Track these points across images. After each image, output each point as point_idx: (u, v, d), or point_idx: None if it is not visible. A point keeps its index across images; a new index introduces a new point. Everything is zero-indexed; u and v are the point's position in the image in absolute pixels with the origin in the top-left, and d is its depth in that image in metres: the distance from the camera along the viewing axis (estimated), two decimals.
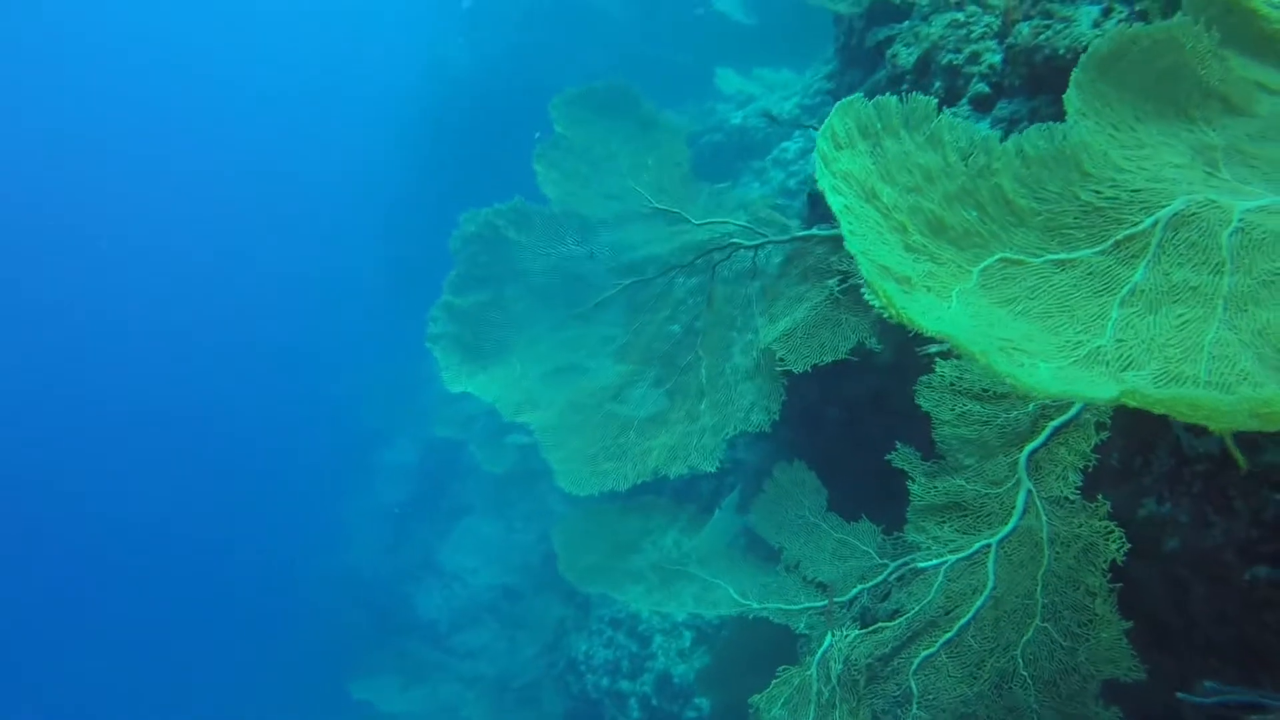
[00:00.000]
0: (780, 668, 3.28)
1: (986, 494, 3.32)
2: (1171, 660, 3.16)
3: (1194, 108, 2.33)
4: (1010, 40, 4.09)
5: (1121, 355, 1.90)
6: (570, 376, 4.10)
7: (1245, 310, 1.93)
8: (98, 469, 26.87)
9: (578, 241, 4.10)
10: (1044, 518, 3.19)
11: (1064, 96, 2.20)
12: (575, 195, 4.07)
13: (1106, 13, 3.77)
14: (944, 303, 1.90)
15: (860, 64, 5.19)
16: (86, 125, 29.28)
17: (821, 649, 3.27)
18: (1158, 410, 1.65)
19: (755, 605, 3.69)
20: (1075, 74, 2.25)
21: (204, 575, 22.21)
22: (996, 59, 4.26)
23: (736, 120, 10.03)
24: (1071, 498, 3.14)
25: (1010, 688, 3.22)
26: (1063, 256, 2.06)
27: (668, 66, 12.54)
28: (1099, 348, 1.92)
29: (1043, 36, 3.89)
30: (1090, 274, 2.05)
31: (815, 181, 1.92)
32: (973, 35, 4.49)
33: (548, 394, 4.10)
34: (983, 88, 4.24)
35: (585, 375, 4.11)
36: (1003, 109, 4.07)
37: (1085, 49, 2.73)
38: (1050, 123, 2.14)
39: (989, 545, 3.31)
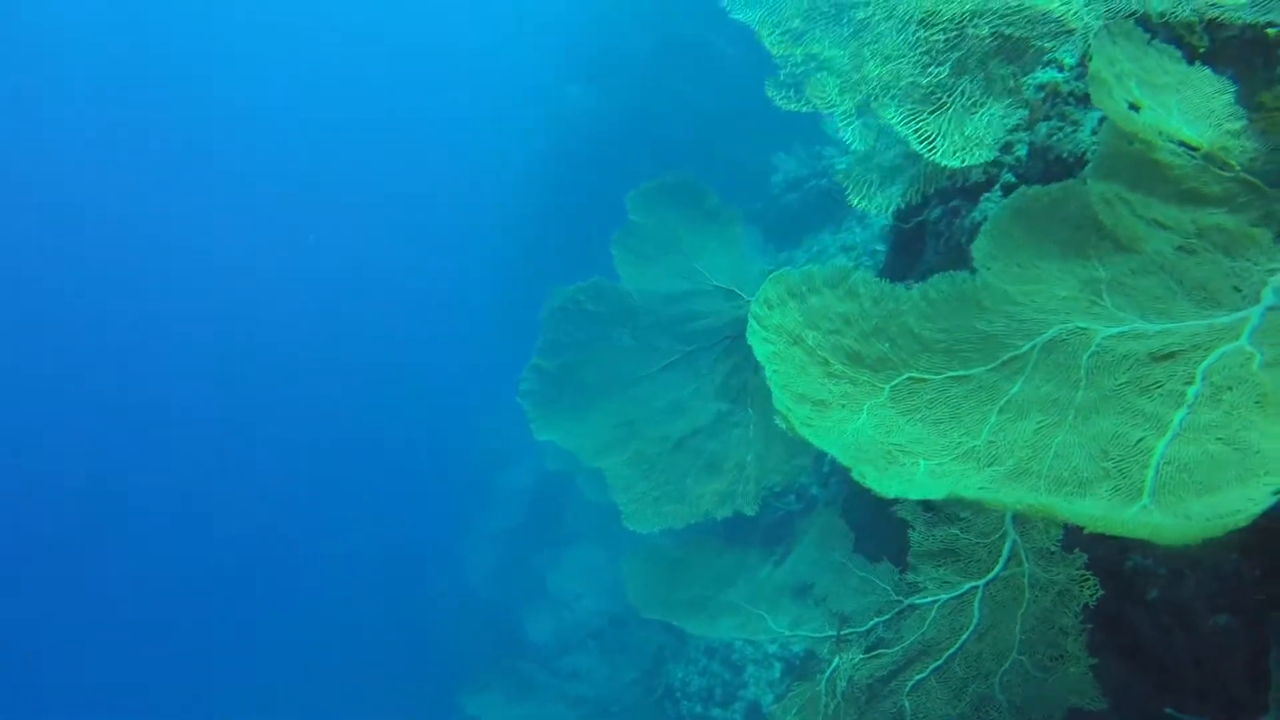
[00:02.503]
0: (794, 683, 4.17)
1: (977, 543, 4.14)
2: (1167, 698, 3.92)
3: (1090, 246, 3.11)
4: (1031, 138, 4.88)
5: (989, 454, 2.74)
6: (638, 428, 5.09)
7: (1089, 418, 2.74)
8: (233, 478, 29.62)
9: (647, 314, 5.10)
10: (1026, 565, 4.00)
11: (973, 244, 3.04)
12: (646, 275, 5.07)
13: (1103, 120, 4.55)
14: (856, 416, 2.78)
15: None
16: (237, 160, 32.43)
17: (830, 668, 4.14)
18: (992, 506, 2.51)
19: (786, 633, 4.58)
20: (985, 227, 3.08)
21: (327, 585, 24.24)
22: (1023, 152, 5.05)
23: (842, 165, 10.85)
24: (1053, 549, 3.96)
25: (988, 710, 4.03)
26: (960, 373, 2.90)
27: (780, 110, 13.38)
28: (974, 448, 2.76)
29: (1054, 138, 4.68)
30: (980, 387, 2.88)
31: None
32: (1007, 125, 5.29)
33: (619, 443, 5.10)
34: (1010, 178, 5.04)
35: (651, 427, 5.10)
36: None
37: (1083, 155, 3.59)
38: (953, 272, 3.00)
39: (976, 587, 4.13)
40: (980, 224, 3.22)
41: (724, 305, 5.03)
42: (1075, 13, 2.42)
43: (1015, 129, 5.40)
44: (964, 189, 4.82)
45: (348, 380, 30.46)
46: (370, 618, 21.69)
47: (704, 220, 5.08)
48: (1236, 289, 3.02)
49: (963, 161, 2.33)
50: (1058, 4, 2.30)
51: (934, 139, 2.24)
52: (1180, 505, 2.22)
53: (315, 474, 28.50)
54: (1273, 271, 3.02)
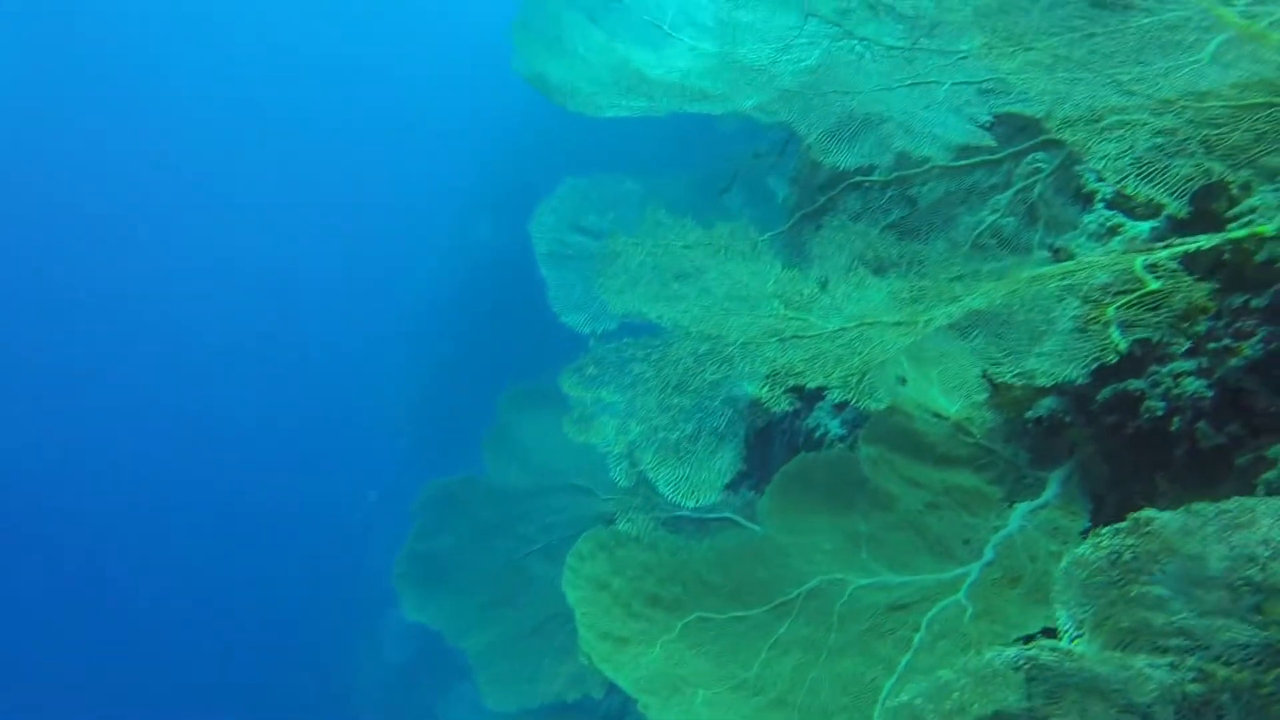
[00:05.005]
0: None
1: None
2: None
3: (856, 503, 3.92)
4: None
5: (757, 685, 3.47)
6: (501, 611, 5.72)
7: (838, 658, 3.51)
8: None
9: (512, 505, 5.80)
10: None
11: (759, 503, 3.84)
12: (512, 471, 5.79)
13: None
14: (650, 650, 3.49)
15: None
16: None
17: None
18: None
19: None
20: (770, 486, 3.90)
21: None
22: None
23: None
24: None
25: None
26: (740, 614, 3.65)
27: None
28: (745, 679, 3.49)
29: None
30: (755, 626, 3.62)
31: None
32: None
33: (483, 625, 5.71)
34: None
35: (513, 611, 5.73)
36: None
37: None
38: (743, 526, 3.79)
39: None
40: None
41: (583, 499, 5.76)
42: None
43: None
44: None
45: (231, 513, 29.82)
46: None
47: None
48: (967, 542, 3.86)
49: (696, 501, 3.10)
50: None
51: (676, 481, 3.00)
52: None
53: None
54: (997, 529, 3.87)
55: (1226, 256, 3.00)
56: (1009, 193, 3.93)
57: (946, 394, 4.33)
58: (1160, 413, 3.06)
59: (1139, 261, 2.34)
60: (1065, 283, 2.35)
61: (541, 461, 5.78)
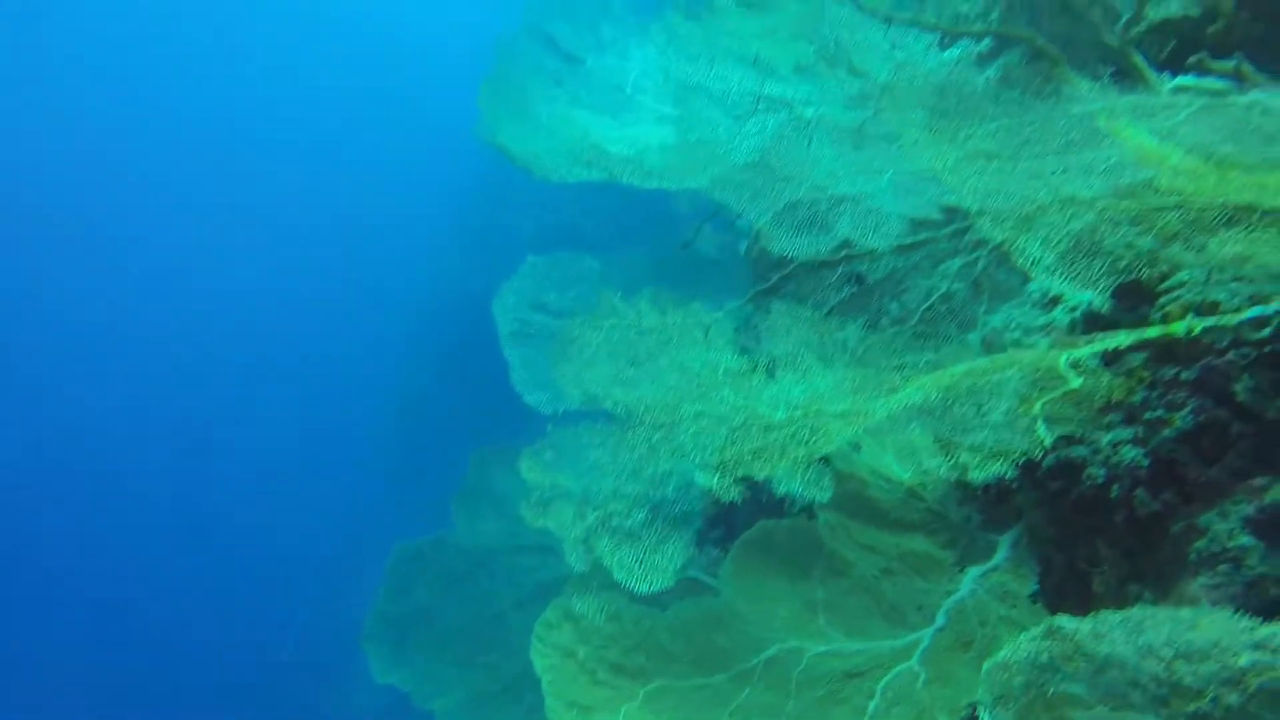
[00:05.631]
0: None
1: None
2: None
3: (813, 569, 4.05)
4: None
5: None
6: (470, 672, 5.80)
7: None
8: None
9: (482, 565, 5.88)
10: None
11: (719, 572, 3.96)
12: (482, 530, 5.88)
13: None
14: (614, 717, 3.59)
15: None
16: None
17: None
18: None
19: None
20: (731, 553, 4.02)
21: None
22: None
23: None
24: None
25: None
26: (702, 681, 3.76)
27: None
28: None
29: None
30: (717, 693, 3.73)
31: None
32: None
33: (453, 684, 5.78)
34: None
35: (482, 671, 5.81)
36: None
37: None
38: (704, 597, 3.91)
39: None
40: None
41: (553, 560, 5.85)
42: None
43: None
44: None
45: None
46: None
47: None
48: (920, 608, 3.99)
49: (649, 587, 3.22)
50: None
51: (630, 567, 3.13)
52: None
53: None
54: (949, 593, 4.00)
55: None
56: (956, 264, 4.11)
57: (899, 460, 4.48)
58: (1100, 480, 3.20)
59: (1063, 358, 2.49)
60: (996, 378, 2.49)
61: (511, 521, 5.87)
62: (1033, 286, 3.94)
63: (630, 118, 5.62)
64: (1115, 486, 3.18)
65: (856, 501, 4.27)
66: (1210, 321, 2.42)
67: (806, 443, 2.63)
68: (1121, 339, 2.46)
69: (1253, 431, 2.98)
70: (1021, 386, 2.46)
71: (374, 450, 20.67)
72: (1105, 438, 3.18)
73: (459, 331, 17.13)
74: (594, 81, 5.84)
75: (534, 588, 5.86)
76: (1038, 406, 2.42)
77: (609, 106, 5.70)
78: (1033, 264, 2.60)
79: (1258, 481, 2.95)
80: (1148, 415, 3.13)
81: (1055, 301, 3.79)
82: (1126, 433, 3.16)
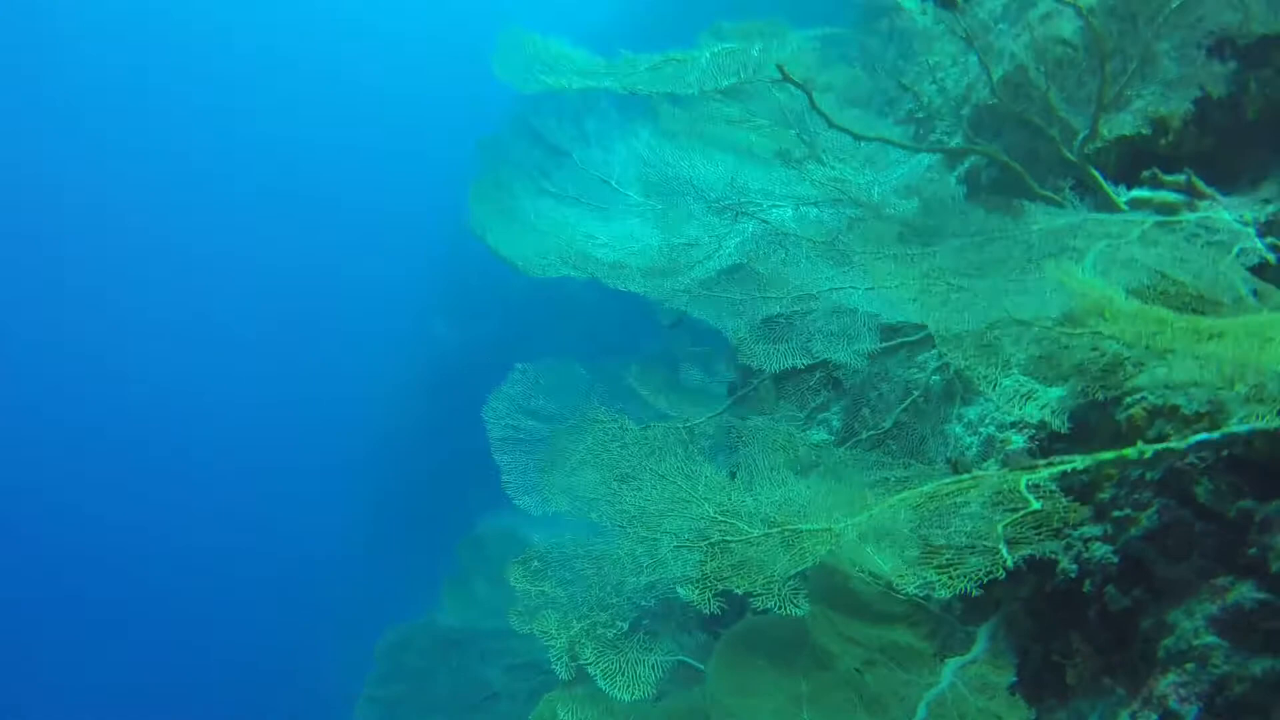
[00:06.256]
0: None
1: None
2: None
3: (798, 661, 4.16)
4: None
5: None
6: None
7: None
8: None
9: (471, 648, 5.98)
10: None
11: (707, 664, 4.07)
12: (471, 613, 5.98)
13: None
14: None
15: None
16: None
17: None
18: None
19: None
20: (718, 647, 4.13)
21: None
22: None
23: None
24: None
25: None
26: None
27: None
28: None
29: None
30: None
31: None
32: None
33: None
34: None
35: None
36: None
37: None
38: (693, 690, 4.01)
39: None
40: None
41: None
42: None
43: None
44: None
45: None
46: None
47: None
48: (902, 699, 4.10)
49: (631, 696, 3.34)
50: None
51: (613, 675, 3.24)
52: None
53: None
54: (930, 685, 4.12)
55: (1124, 429, 3.34)
56: (932, 360, 4.28)
57: (882, 552, 4.60)
58: (1073, 575, 3.34)
59: (1023, 481, 2.65)
60: (960, 499, 2.65)
61: (500, 604, 5.96)
62: (1007, 382, 4.12)
63: (616, 210, 5.81)
64: (1087, 582, 3.32)
65: (840, 594, 4.39)
66: (1161, 446, 2.58)
67: (782, 560, 2.77)
68: (1078, 462, 2.62)
69: (1215, 531, 3.12)
70: (984, 509, 2.62)
71: (359, 526, 20.66)
72: (1076, 533, 3.33)
73: (448, 398, 17.28)
74: (580, 175, 6.05)
75: (524, 670, 5.95)
76: (1000, 528, 2.57)
77: (594, 199, 5.90)
78: (991, 387, 2.76)
79: (1220, 581, 3.08)
80: (1116, 513, 3.29)
81: (1028, 397, 3.96)
82: (1096, 529, 3.31)
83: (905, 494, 2.73)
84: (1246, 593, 2.96)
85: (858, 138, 3.79)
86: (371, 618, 6.42)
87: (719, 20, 6.91)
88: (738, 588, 2.71)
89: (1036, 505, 2.55)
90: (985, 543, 2.58)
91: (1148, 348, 2.34)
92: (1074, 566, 3.36)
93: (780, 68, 3.42)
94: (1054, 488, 2.60)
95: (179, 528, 30.78)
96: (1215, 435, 2.55)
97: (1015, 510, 2.58)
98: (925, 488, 2.74)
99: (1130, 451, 2.59)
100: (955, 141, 5.15)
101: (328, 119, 32.50)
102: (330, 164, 32.44)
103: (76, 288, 31.82)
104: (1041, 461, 2.77)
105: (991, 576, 2.57)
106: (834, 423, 4.79)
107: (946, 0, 3.49)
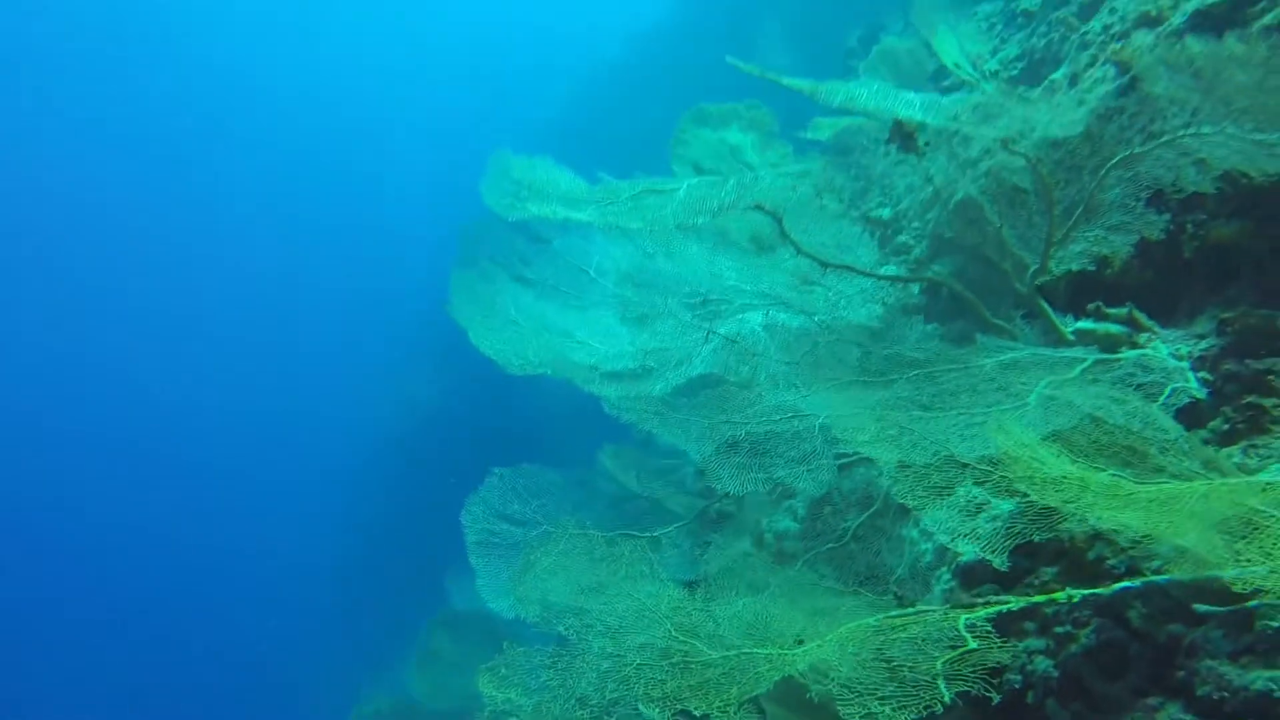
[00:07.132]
0: None
1: None
2: None
3: None
4: None
5: None
6: None
7: None
8: None
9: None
10: None
11: None
12: (441, 695, 6.13)
13: None
14: None
15: None
16: None
17: None
18: None
19: None
20: None
21: None
22: None
23: None
24: None
25: None
26: None
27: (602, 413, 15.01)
28: None
29: None
30: None
31: None
32: None
33: None
34: None
35: None
36: None
37: None
38: None
39: None
40: None
41: None
42: None
43: None
44: None
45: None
46: None
47: None
48: None
49: None
50: None
51: None
52: None
53: None
54: None
55: (1067, 547, 3.57)
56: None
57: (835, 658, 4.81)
58: (1018, 685, 3.54)
59: (962, 620, 2.87)
60: (903, 635, 2.86)
61: (467, 685, 6.11)
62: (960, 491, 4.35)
63: (593, 298, 6.05)
64: (1030, 693, 3.53)
65: (796, 697, 4.58)
66: (1087, 592, 2.81)
67: (738, 681, 2.97)
68: (1013, 604, 2.84)
69: (1148, 653, 3.34)
70: (924, 645, 2.83)
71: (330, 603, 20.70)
72: (1021, 645, 3.54)
73: (423, 459, 17.40)
74: (559, 262, 6.28)
75: None
76: (939, 665, 2.79)
77: (573, 289, 6.14)
78: (936, 527, 2.99)
79: (1152, 700, 3.30)
80: (1058, 629, 3.50)
81: (980, 508, 4.19)
82: (1039, 643, 3.53)
83: (853, 626, 2.94)
84: (1175, 713, 3.16)
85: (824, 265, 4.05)
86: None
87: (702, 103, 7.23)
88: (695, 709, 2.90)
89: (973, 644, 2.76)
90: (925, 678, 2.78)
91: (1071, 508, 2.58)
92: (1018, 678, 3.56)
93: (759, 204, 3.68)
94: (989, 628, 2.82)
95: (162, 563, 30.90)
96: (1136, 584, 2.78)
97: (955, 648, 2.79)
98: (871, 620, 2.95)
99: (1060, 595, 2.81)
100: (919, 251, 5.44)
101: (321, 198, 33.63)
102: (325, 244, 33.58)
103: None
104: (980, 600, 2.99)
105: (930, 710, 2.78)
106: (799, 510, 5.01)
107: (909, 144, 3.76)
